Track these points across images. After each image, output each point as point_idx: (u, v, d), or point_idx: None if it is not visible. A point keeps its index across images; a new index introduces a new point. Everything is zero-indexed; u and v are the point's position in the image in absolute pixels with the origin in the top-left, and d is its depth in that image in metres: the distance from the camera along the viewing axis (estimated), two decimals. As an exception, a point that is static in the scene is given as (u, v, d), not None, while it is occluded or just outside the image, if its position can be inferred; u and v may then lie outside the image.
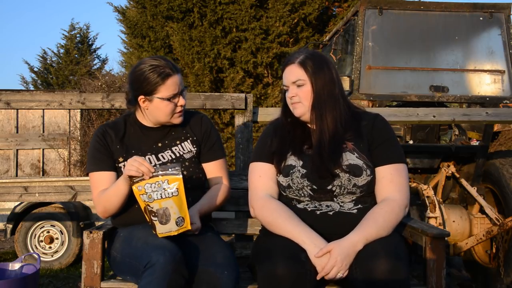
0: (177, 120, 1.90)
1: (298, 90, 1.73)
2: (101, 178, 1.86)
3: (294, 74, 1.74)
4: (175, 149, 1.92)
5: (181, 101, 1.86)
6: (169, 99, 1.83)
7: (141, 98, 1.85)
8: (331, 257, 1.52)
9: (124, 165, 1.83)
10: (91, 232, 1.77)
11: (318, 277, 1.53)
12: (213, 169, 1.97)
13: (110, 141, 1.89)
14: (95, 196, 1.86)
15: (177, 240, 1.77)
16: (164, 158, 1.89)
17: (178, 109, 1.87)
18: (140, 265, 1.57)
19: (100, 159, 1.87)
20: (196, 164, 1.93)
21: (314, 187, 1.68)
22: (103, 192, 1.82)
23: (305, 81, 1.72)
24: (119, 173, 1.85)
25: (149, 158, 1.88)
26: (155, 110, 1.85)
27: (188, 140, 1.95)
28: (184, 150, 1.93)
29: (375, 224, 1.59)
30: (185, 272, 1.58)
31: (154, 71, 1.80)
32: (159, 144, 1.92)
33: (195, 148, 1.95)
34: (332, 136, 1.69)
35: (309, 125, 1.79)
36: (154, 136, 1.92)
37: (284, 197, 1.75)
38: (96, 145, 1.89)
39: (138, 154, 1.86)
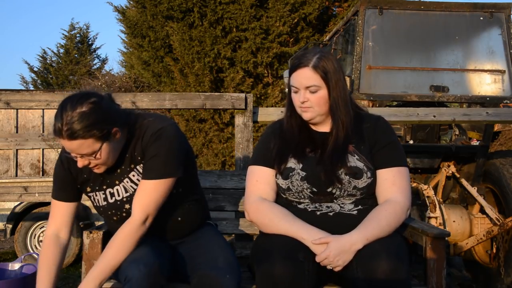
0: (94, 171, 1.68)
1: (311, 95, 1.68)
2: (59, 208, 1.75)
3: (308, 79, 1.67)
4: (133, 176, 1.71)
5: (78, 162, 1.61)
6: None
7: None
8: (327, 248, 1.53)
9: (93, 197, 1.75)
10: (91, 232, 1.77)
11: (315, 259, 1.55)
12: (138, 188, 1.66)
13: (74, 170, 1.73)
14: (47, 229, 1.75)
15: (174, 246, 1.76)
16: (129, 191, 1.72)
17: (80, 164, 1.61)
18: (121, 278, 1.56)
19: (61, 188, 1.75)
20: None
21: (314, 189, 1.67)
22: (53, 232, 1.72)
23: (320, 87, 1.67)
24: (91, 198, 1.78)
25: (117, 190, 1.72)
26: None
27: (140, 164, 1.70)
28: (140, 175, 1.71)
29: (378, 225, 1.59)
30: (163, 282, 1.57)
31: (54, 118, 1.56)
32: (118, 170, 1.71)
33: None
34: (343, 140, 1.68)
35: (314, 127, 1.78)
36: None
37: (284, 199, 1.74)
38: (60, 174, 1.75)
39: (106, 182, 1.73)
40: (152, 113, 1.79)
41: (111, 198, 1.73)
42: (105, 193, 1.74)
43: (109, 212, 1.74)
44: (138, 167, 1.70)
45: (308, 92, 1.68)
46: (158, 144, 1.63)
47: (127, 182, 1.72)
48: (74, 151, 1.56)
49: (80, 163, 1.60)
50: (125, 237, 1.59)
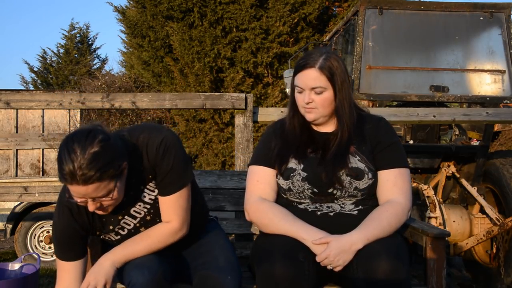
0: (102, 213, 1.56)
1: (316, 96, 1.66)
2: (67, 269, 1.62)
3: (314, 80, 1.65)
4: (144, 197, 1.64)
5: (90, 206, 1.47)
6: (76, 198, 1.48)
7: None
8: (327, 248, 1.53)
9: (104, 237, 1.68)
10: (91, 232, 1.76)
11: (316, 259, 1.55)
12: (162, 204, 1.63)
13: (80, 220, 1.61)
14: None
15: (177, 244, 1.75)
16: (140, 214, 1.65)
17: (92, 209, 1.49)
18: (125, 283, 1.55)
19: (67, 247, 1.61)
20: None
21: (315, 190, 1.67)
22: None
23: (326, 88, 1.66)
24: (103, 240, 1.72)
25: (125, 222, 1.65)
26: None
27: (153, 182, 1.64)
28: (153, 191, 1.65)
29: (379, 225, 1.59)
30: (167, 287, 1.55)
31: (60, 166, 1.41)
32: (124, 199, 1.59)
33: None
34: (346, 142, 1.68)
35: (316, 128, 1.77)
36: None
37: (284, 199, 1.74)
38: (62, 229, 1.60)
39: (111, 220, 1.64)
40: (139, 125, 1.70)
41: (124, 231, 1.67)
42: (114, 230, 1.67)
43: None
44: (148, 186, 1.64)
45: (313, 93, 1.67)
46: (168, 157, 1.57)
47: (139, 205, 1.64)
48: (88, 195, 1.43)
49: (92, 206, 1.46)
50: (162, 236, 1.60)
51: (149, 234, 1.63)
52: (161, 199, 1.63)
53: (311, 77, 1.66)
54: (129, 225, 1.66)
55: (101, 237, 1.70)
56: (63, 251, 1.62)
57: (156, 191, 1.64)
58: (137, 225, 1.67)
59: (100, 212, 1.54)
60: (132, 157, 1.54)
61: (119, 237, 1.68)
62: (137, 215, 1.66)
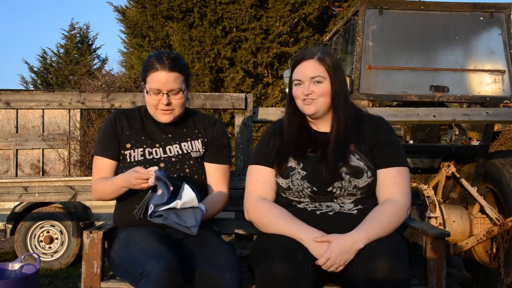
0: (161, 117, 1.85)
1: (316, 87, 1.69)
2: (103, 165, 1.87)
3: (313, 70, 1.69)
4: (184, 145, 1.90)
5: (163, 99, 1.80)
6: (152, 93, 1.80)
7: (142, 83, 1.88)
8: (328, 249, 1.53)
9: (130, 154, 1.86)
10: (91, 232, 1.77)
11: (316, 263, 1.54)
12: (215, 172, 1.93)
13: (119, 128, 1.89)
14: (93, 181, 1.89)
15: (179, 243, 1.76)
16: (171, 152, 1.88)
17: (161, 106, 1.82)
18: (136, 272, 1.56)
19: (106, 145, 1.88)
20: (200, 165, 1.92)
21: (314, 189, 1.67)
22: (101, 180, 1.85)
23: (325, 78, 1.69)
24: (124, 160, 1.87)
25: (155, 151, 1.87)
26: (145, 100, 1.86)
27: (199, 140, 1.93)
28: (192, 148, 1.91)
29: (379, 225, 1.59)
30: (180, 279, 1.57)
31: (149, 60, 1.81)
32: (169, 135, 1.90)
33: (203, 149, 1.93)
34: (343, 138, 1.69)
35: (315, 127, 1.78)
36: (164, 128, 1.91)
37: (284, 198, 1.74)
38: (106, 130, 1.90)
39: (147, 142, 1.88)
40: None
41: (149, 155, 1.87)
42: (144, 151, 1.87)
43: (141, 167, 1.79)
44: (195, 142, 1.92)
45: (313, 84, 1.69)
46: (226, 136, 1.97)
47: (176, 147, 1.89)
48: (167, 84, 1.76)
49: (165, 100, 1.78)
50: (220, 198, 1.89)
51: (211, 195, 1.90)
52: (214, 167, 1.91)
53: (310, 67, 1.69)
54: (157, 154, 1.87)
55: (127, 154, 1.87)
56: (101, 148, 1.89)
57: (197, 148, 1.90)
58: (162, 159, 1.85)
59: (165, 113, 1.82)
60: (188, 113, 1.94)
61: (142, 158, 1.86)
62: (168, 152, 1.88)
